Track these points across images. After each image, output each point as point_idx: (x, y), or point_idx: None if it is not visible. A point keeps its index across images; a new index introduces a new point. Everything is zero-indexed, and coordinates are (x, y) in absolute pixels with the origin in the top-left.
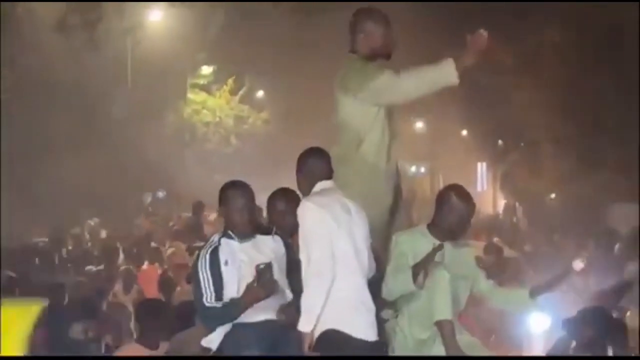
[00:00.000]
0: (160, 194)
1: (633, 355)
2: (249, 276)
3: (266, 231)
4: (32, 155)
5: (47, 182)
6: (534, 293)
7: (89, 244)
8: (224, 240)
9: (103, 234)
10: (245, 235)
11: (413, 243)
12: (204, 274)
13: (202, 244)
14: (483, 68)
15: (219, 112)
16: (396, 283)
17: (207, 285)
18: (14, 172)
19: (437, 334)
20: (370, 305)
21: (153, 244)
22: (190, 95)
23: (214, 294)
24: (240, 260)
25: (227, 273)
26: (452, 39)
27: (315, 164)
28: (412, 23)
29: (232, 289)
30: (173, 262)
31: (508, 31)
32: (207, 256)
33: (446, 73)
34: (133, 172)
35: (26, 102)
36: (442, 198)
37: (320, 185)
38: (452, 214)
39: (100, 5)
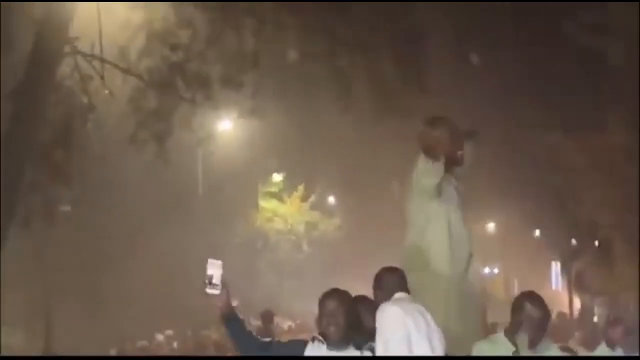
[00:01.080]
0: (233, 303)
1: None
2: None
3: (361, 346)
4: (100, 266)
5: (117, 294)
6: None
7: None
8: (315, 342)
9: (174, 345)
10: (335, 343)
11: (494, 352)
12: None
13: None
14: (554, 167)
15: (291, 219)
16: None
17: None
18: (80, 283)
19: None
20: None
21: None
22: (261, 203)
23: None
24: None
25: None
26: None
27: (391, 279)
28: None
29: None
30: None
31: (579, 132)
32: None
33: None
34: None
35: (93, 214)
36: (516, 306)
37: (399, 295)
38: (527, 322)
39: (169, 120)
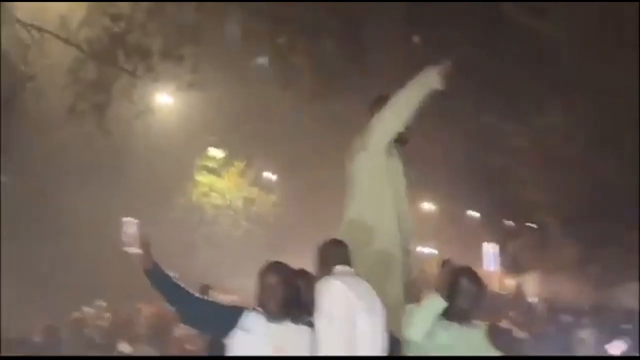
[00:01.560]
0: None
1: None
2: (260, 355)
3: (299, 319)
4: (35, 237)
5: (52, 265)
6: None
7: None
8: (254, 312)
9: (107, 315)
10: (274, 316)
11: (425, 306)
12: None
13: None
14: (490, 148)
15: (229, 195)
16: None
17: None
18: (14, 255)
19: None
20: None
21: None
22: (199, 178)
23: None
24: (262, 336)
25: (240, 337)
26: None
27: (334, 252)
28: None
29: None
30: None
31: (516, 112)
32: (231, 307)
33: (429, 79)
34: None
35: (30, 185)
36: (451, 280)
37: (340, 268)
38: (462, 297)
39: (108, 91)
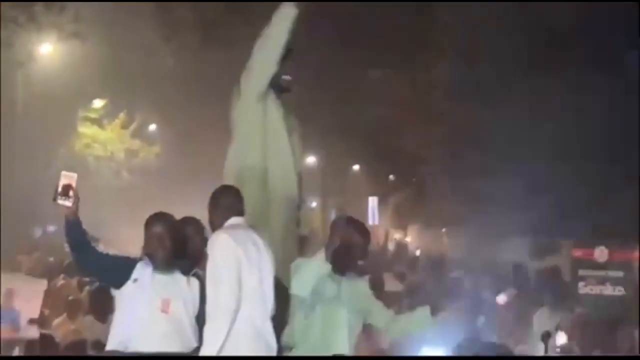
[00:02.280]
0: (51, 228)
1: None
2: (146, 305)
3: (188, 270)
4: None
5: None
6: (435, 311)
7: None
8: (142, 263)
9: None
10: (161, 266)
11: (310, 267)
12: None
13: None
14: (375, 101)
15: (110, 146)
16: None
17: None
18: None
19: None
20: (272, 343)
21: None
22: (81, 129)
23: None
24: (148, 286)
25: (129, 288)
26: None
27: (228, 201)
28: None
29: (126, 306)
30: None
31: (401, 67)
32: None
33: (287, 12)
34: (23, 206)
35: None
36: (336, 229)
37: (232, 221)
38: (351, 250)
39: None
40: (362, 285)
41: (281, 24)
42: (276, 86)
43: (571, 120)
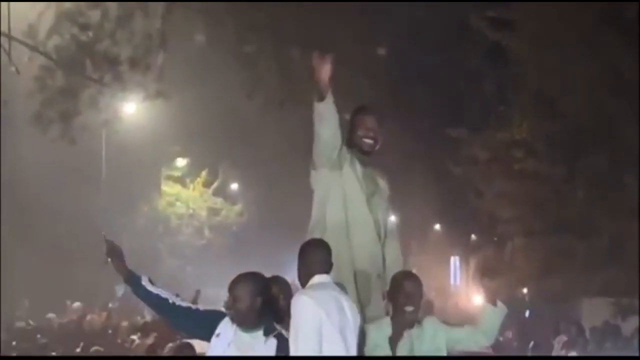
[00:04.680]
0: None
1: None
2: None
3: (271, 330)
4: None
5: (21, 272)
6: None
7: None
8: (228, 318)
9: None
10: (246, 325)
11: (377, 332)
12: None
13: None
14: (453, 161)
15: (193, 204)
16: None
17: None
18: None
19: None
20: None
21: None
22: (164, 188)
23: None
24: (229, 343)
25: (212, 342)
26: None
27: (314, 255)
28: None
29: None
30: None
31: (477, 124)
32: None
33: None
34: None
35: None
36: (393, 282)
37: (317, 279)
38: (401, 296)
39: (76, 98)
40: (428, 323)
41: (324, 110)
42: (357, 148)
43: None
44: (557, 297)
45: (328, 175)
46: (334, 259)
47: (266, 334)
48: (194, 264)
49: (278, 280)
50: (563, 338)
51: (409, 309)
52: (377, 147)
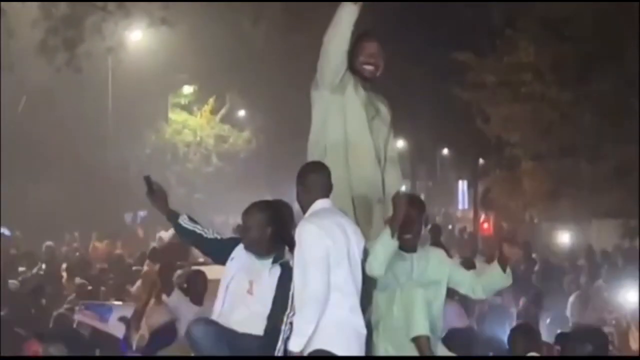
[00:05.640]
0: (142, 214)
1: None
2: (236, 284)
3: (279, 256)
4: (11, 173)
5: (28, 200)
6: (501, 266)
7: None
8: (242, 245)
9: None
10: (257, 252)
11: (378, 243)
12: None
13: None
14: (459, 84)
15: (200, 132)
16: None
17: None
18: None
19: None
20: (361, 330)
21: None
22: (171, 115)
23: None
24: (240, 266)
25: (227, 265)
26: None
27: (315, 179)
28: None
29: (222, 282)
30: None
31: (484, 48)
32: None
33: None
34: (114, 191)
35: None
36: (398, 206)
37: (319, 204)
38: (410, 222)
39: (81, 25)
40: (435, 255)
41: (345, 19)
42: (359, 74)
43: None
44: (566, 219)
45: (328, 98)
46: (335, 179)
47: (274, 262)
48: (202, 192)
49: (285, 206)
50: None
51: (407, 236)
52: (379, 73)
